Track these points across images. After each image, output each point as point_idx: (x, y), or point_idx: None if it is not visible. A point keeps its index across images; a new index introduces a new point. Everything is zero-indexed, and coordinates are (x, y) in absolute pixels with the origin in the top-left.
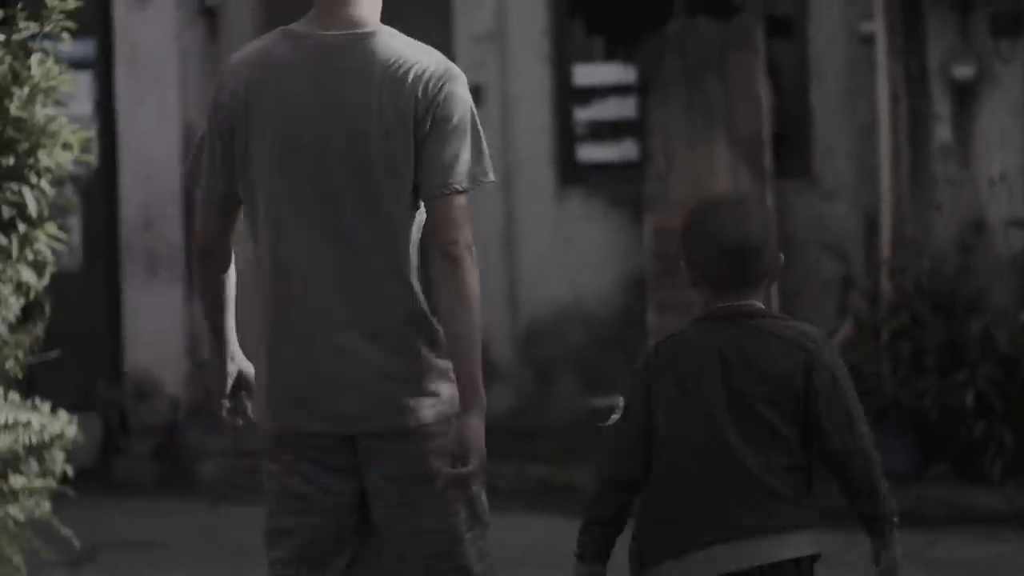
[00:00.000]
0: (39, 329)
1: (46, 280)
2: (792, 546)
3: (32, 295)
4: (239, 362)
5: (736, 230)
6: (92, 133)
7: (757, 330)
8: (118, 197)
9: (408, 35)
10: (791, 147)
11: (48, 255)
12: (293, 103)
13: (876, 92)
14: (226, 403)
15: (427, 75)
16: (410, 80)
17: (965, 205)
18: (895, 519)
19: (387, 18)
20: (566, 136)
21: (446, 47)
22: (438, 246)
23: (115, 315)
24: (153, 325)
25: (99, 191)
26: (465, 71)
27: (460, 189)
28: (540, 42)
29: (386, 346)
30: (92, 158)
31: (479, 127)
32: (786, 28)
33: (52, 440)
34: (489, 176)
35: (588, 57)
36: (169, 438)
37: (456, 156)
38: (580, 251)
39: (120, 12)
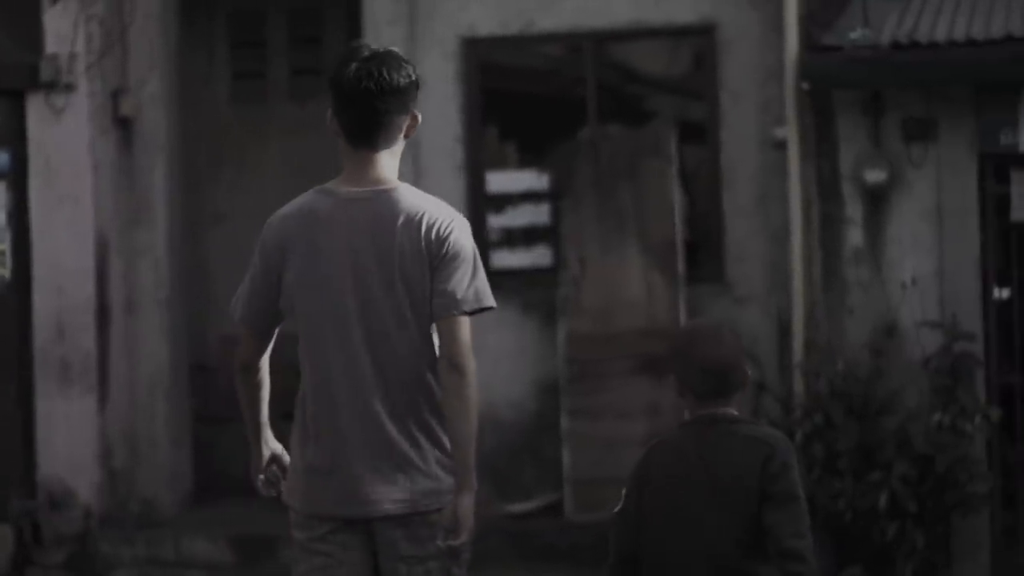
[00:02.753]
0: None
1: None
2: None
3: None
4: (272, 446)
5: (714, 352)
6: (5, 244)
7: (731, 433)
8: (31, 307)
9: (320, 143)
10: (704, 252)
11: None
12: (331, 246)
13: (788, 197)
14: (261, 477)
15: (438, 222)
16: (424, 225)
17: (877, 309)
18: None
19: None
20: (479, 243)
21: None
22: (446, 359)
23: (28, 424)
24: (66, 434)
25: (12, 301)
26: None
27: (463, 312)
28: (453, 149)
29: (411, 442)
30: (4, 271)
31: (479, 264)
32: (698, 134)
33: None
34: (488, 303)
35: (501, 164)
36: (82, 547)
37: (459, 285)
38: (493, 357)
39: (34, 123)
